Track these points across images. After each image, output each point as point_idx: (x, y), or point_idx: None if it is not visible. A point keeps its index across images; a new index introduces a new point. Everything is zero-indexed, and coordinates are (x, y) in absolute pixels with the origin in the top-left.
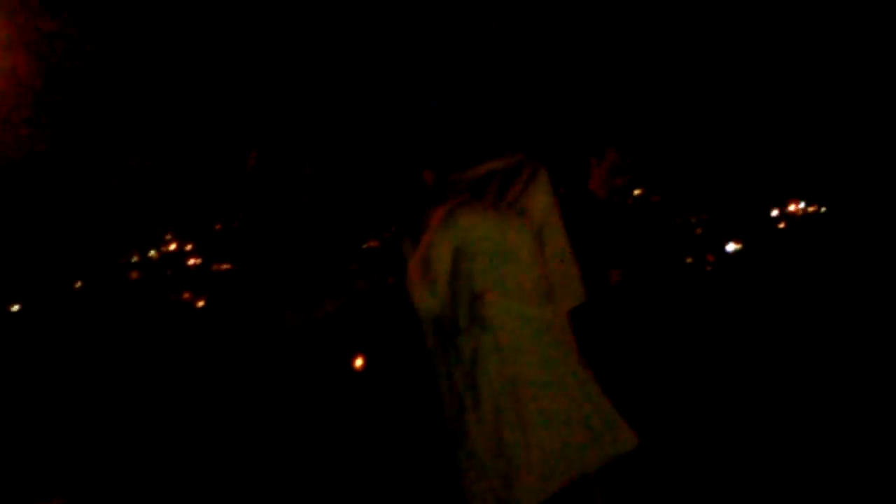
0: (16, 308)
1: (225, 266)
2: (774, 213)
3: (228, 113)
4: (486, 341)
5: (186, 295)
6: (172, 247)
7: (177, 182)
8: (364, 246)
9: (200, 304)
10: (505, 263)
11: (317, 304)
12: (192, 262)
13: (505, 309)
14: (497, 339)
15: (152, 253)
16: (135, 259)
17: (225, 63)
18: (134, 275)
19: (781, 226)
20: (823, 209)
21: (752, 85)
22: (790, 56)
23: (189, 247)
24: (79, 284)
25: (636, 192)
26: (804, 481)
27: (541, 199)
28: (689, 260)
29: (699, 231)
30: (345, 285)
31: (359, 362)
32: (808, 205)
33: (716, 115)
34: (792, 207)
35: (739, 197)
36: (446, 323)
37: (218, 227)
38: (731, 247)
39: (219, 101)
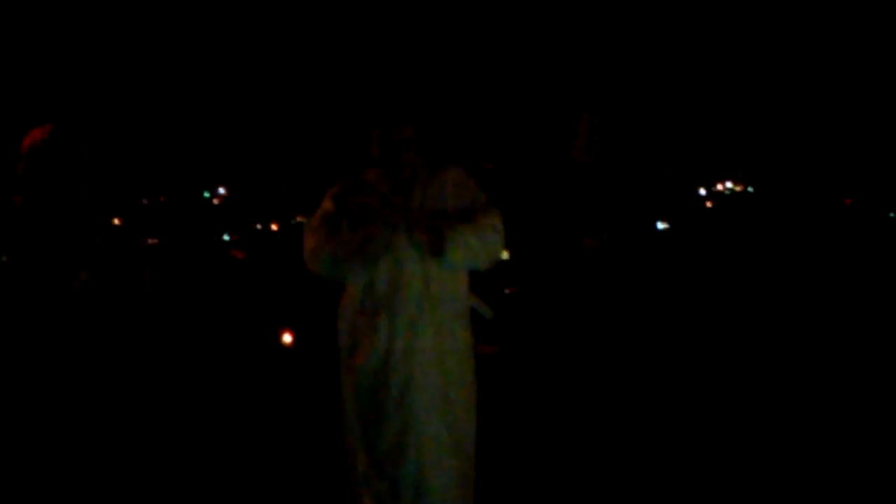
0: None
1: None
2: (702, 192)
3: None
4: None
5: None
6: None
7: None
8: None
9: None
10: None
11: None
12: None
13: None
14: None
15: None
16: None
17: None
18: None
19: (709, 205)
20: (750, 189)
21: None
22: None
23: None
24: None
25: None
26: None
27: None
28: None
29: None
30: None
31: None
32: (735, 184)
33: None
34: (719, 187)
35: (667, 175)
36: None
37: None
38: (660, 225)
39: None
